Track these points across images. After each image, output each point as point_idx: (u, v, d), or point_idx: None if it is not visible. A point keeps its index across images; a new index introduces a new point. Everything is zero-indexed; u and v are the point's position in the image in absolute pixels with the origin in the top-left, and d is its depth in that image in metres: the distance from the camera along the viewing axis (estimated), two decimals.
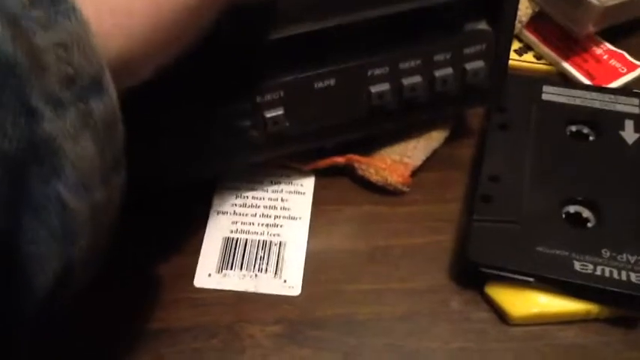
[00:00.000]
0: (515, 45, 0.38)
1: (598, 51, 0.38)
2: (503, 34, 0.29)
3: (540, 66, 0.38)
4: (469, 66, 0.29)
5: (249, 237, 0.30)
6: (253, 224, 0.31)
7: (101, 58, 0.16)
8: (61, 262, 0.16)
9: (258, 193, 0.32)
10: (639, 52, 0.38)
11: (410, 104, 0.29)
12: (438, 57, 0.28)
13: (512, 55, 0.38)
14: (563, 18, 0.36)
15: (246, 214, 0.31)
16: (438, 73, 0.28)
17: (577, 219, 0.29)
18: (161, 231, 0.31)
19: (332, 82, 0.27)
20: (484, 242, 0.27)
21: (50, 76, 0.15)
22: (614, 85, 0.36)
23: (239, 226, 0.31)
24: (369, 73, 0.28)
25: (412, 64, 0.28)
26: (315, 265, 0.29)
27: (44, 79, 0.15)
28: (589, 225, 0.28)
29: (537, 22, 0.38)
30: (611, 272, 0.26)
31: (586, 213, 0.29)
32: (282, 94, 0.27)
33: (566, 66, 0.37)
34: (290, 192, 0.32)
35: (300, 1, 0.25)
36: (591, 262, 0.26)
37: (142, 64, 0.18)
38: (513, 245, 0.27)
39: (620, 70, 0.37)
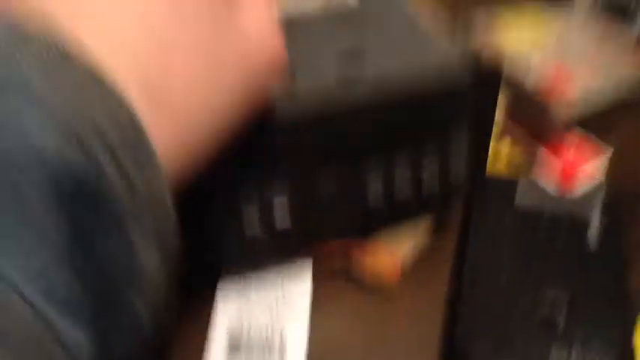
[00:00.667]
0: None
1: (568, 138, 0.41)
2: (483, 137, 0.33)
3: (515, 152, 0.41)
4: (453, 168, 0.33)
5: (252, 332, 0.33)
6: (258, 318, 0.34)
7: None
8: None
9: (261, 292, 0.35)
10: (607, 136, 0.42)
11: (397, 206, 0.33)
12: (426, 161, 0.32)
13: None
14: (531, 125, 0.39)
15: (251, 310, 0.34)
16: (426, 176, 0.32)
17: (552, 316, 0.32)
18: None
19: (332, 185, 0.31)
20: (465, 343, 0.31)
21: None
22: (582, 169, 0.39)
23: (244, 322, 0.34)
24: (366, 176, 0.31)
25: (402, 168, 0.31)
26: (318, 354, 0.33)
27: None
28: (562, 321, 0.32)
29: (510, 125, 0.41)
30: None
31: (559, 309, 0.32)
32: (286, 199, 0.30)
33: (538, 154, 0.40)
34: (290, 290, 0.35)
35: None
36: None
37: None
38: (493, 344, 0.31)
39: (587, 156, 0.40)
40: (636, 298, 0.33)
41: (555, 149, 0.40)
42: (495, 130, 0.42)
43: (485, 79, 0.31)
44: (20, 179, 0.15)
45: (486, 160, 0.34)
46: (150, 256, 0.18)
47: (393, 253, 0.35)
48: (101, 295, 0.17)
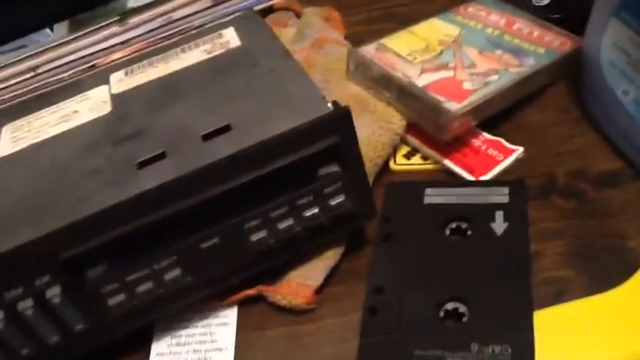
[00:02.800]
0: (404, 150, 0.44)
1: (477, 143, 0.43)
2: (353, 169, 0.34)
3: (428, 166, 0.43)
4: (332, 202, 0.34)
5: None
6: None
7: None
8: None
9: (190, 330, 0.37)
10: (515, 133, 0.43)
11: (291, 241, 0.34)
12: (302, 201, 0.33)
13: (402, 159, 0.43)
14: (428, 126, 0.41)
15: (180, 352, 0.36)
16: (306, 214, 0.34)
17: (454, 315, 0.33)
18: None
19: (216, 240, 0.33)
20: (373, 354, 0.32)
21: None
22: (493, 173, 0.41)
23: None
24: (246, 226, 0.33)
25: (281, 211, 0.33)
26: None
27: None
28: (464, 319, 0.33)
29: (418, 126, 0.43)
30: None
31: (462, 308, 0.33)
32: (175, 258, 0.32)
33: (448, 163, 0.42)
34: (217, 324, 0.37)
35: (179, 183, 0.31)
36: (461, 358, 0.31)
37: None
38: (395, 353, 0.32)
39: (497, 158, 0.41)
40: (539, 291, 0.34)
41: (462, 158, 0.42)
42: (406, 149, 0.44)
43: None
44: None
45: (367, 183, 0.36)
46: None
47: (304, 283, 0.36)
48: None
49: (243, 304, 0.37)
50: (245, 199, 0.32)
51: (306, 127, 0.32)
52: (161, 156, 0.33)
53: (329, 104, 0.33)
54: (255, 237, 0.33)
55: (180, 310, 0.36)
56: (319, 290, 0.37)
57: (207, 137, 0.33)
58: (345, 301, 0.37)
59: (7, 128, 0.40)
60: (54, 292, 0.31)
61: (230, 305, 0.37)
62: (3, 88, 0.51)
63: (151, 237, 0.31)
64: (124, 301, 0.32)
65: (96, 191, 0.31)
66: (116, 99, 0.39)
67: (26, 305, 0.30)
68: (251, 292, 0.36)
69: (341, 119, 0.32)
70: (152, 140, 0.34)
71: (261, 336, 0.36)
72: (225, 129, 0.33)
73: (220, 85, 0.37)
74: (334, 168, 0.33)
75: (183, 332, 0.37)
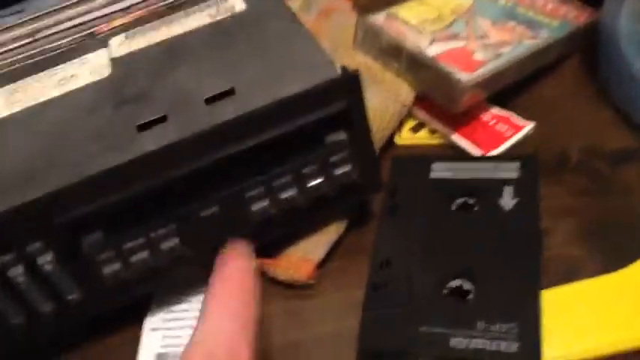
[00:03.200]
0: (411, 123, 0.42)
1: (485, 117, 0.41)
2: (361, 137, 0.33)
3: (435, 140, 0.41)
4: (338, 171, 0.33)
5: (179, 350, 0.34)
6: (182, 337, 0.34)
7: None
8: None
9: (185, 306, 0.36)
10: (527, 108, 0.42)
11: (294, 212, 0.33)
12: (307, 170, 0.32)
13: (408, 133, 0.42)
14: (438, 97, 0.40)
15: (175, 328, 0.35)
16: (310, 183, 0.32)
17: (460, 292, 0.32)
18: (96, 351, 0.35)
19: (216, 208, 0.31)
20: (376, 329, 0.31)
21: None
22: (501, 149, 0.39)
23: (170, 340, 0.34)
24: (247, 195, 0.32)
25: (285, 180, 0.32)
26: None
27: None
28: (470, 297, 0.32)
29: (426, 99, 0.42)
30: (483, 344, 0.29)
31: (467, 285, 0.32)
32: (174, 226, 0.31)
33: (456, 138, 0.40)
34: None
35: (180, 146, 0.30)
36: (466, 336, 0.30)
37: None
38: (401, 328, 0.31)
39: (505, 134, 0.40)
40: (549, 269, 0.33)
41: (470, 133, 0.40)
42: (412, 122, 0.42)
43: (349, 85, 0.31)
44: None
45: (373, 153, 0.34)
46: None
47: (305, 257, 0.35)
48: None
49: None
50: (247, 166, 0.31)
51: (314, 91, 0.30)
52: (162, 119, 0.31)
53: (338, 69, 0.31)
54: (256, 206, 0.32)
55: (177, 282, 0.35)
56: (320, 265, 0.36)
57: (209, 101, 0.32)
58: (347, 277, 0.36)
59: (2, 91, 0.38)
60: (46, 259, 0.30)
61: None
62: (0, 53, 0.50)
63: (149, 204, 0.30)
64: (119, 269, 0.31)
65: (94, 154, 0.30)
66: (116, 62, 0.38)
67: (17, 272, 0.29)
68: None
69: (350, 83, 0.31)
70: (153, 103, 0.33)
71: None
72: (229, 92, 0.32)
73: (224, 49, 0.36)
74: (341, 136, 0.32)
75: (178, 308, 0.36)
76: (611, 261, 0.33)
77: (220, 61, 0.35)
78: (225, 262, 0.29)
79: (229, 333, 0.26)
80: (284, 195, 0.32)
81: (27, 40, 0.50)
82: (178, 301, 0.36)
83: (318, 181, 0.32)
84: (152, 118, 0.31)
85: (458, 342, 0.29)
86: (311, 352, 0.33)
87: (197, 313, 0.35)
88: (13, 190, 0.29)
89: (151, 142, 0.30)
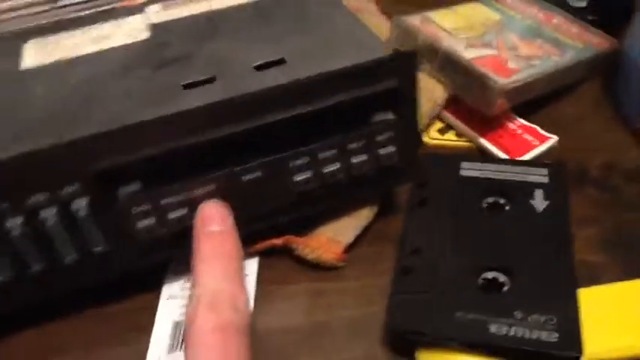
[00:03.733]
0: (438, 125, 0.42)
1: (512, 126, 0.42)
2: (408, 120, 0.33)
3: (461, 143, 0.42)
4: (382, 151, 0.32)
5: None
6: None
7: None
8: None
9: None
10: (549, 124, 0.42)
11: (333, 188, 0.33)
12: (352, 146, 0.32)
13: (436, 134, 0.42)
14: (472, 100, 0.40)
15: None
16: (354, 160, 0.32)
17: (494, 284, 0.32)
18: (112, 315, 0.33)
19: (259, 173, 0.31)
20: (407, 311, 0.30)
21: None
22: (528, 157, 0.40)
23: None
24: (291, 164, 0.31)
25: (329, 153, 0.31)
26: (259, 342, 0.32)
27: None
28: (505, 289, 0.31)
29: (455, 102, 0.42)
30: (523, 332, 0.29)
31: (502, 278, 0.32)
32: (214, 187, 0.30)
33: (484, 142, 0.41)
34: None
35: (229, 105, 0.29)
36: (505, 324, 0.29)
37: None
38: (434, 312, 0.30)
39: (532, 142, 0.41)
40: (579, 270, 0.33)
41: (498, 138, 0.41)
42: (440, 125, 0.43)
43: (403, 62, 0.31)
44: None
45: (417, 139, 0.34)
46: None
47: (334, 238, 0.34)
48: None
49: (264, 257, 0.35)
50: (294, 135, 0.30)
51: (367, 66, 0.30)
52: (210, 80, 0.31)
53: (386, 49, 0.31)
54: (298, 177, 0.31)
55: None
56: (350, 248, 0.35)
57: (259, 68, 0.31)
58: (373, 264, 0.35)
59: (32, 44, 0.37)
60: (80, 205, 0.28)
61: (252, 255, 0.35)
62: (16, 17, 0.49)
63: (191, 161, 0.29)
64: (153, 225, 0.29)
65: (134, 108, 0.29)
66: (154, 27, 0.37)
67: (49, 214, 0.28)
68: (278, 241, 0.34)
69: (405, 62, 0.31)
70: (199, 66, 0.32)
71: (283, 290, 0.34)
72: (280, 62, 0.31)
73: (269, 25, 0.36)
74: (389, 115, 0.32)
75: None
76: (632, 270, 0.34)
77: (266, 34, 0.35)
78: (204, 225, 0.30)
79: (224, 283, 0.28)
80: (327, 169, 0.32)
81: (47, 7, 0.49)
82: None
83: (362, 158, 0.32)
84: (199, 79, 0.31)
85: (497, 328, 0.29)
86: (336, 333, 0.32)
87: None
88: (52, 131, 0.28)
89: (198, 99, 0.29)
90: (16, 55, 0.36)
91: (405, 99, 0.32)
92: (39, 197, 0.27)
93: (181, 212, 0.30)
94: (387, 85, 0.31)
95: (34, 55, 0.36)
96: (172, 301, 0.33)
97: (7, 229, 0.27)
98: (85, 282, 0.30)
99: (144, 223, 0.29)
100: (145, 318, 0.32)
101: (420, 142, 0.35)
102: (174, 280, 0.34)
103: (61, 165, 0.27)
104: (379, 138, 0.32)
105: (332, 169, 0.32)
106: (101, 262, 0.30)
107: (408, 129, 0.33)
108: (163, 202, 0.29)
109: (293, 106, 0.30)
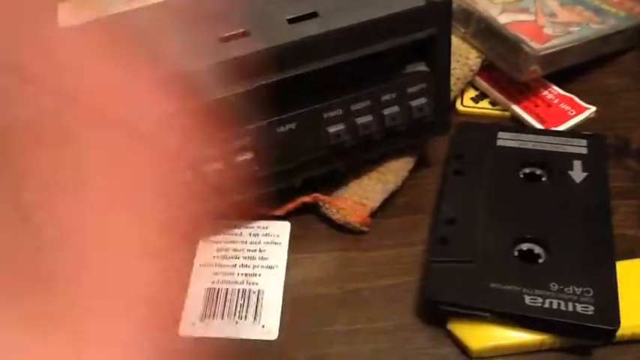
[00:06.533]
0: (472, 93, 0.41)
1: (549, 95, 0.41)
2: (441, 72, 0.33)
3: (496, 112, 0.41)
4: (414, 103, 0.32)
5: (230, 286, 0.33)
6: (233, 274, 0.33)
7: None
8: None
9: (238, 245, 0.34)
10: (588, 94, 0.41)
11: (365, 141, 0.33)
12: (385, 97, 0.31)
13: (469, 102, 0.41)
14: (505, 65, 0.39)
15: (227, 265, 0.34)
16: (386, 112, 0.32)
17: (529, 255, 0.31)
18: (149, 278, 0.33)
19: (293, 125, 0.31)
20: (442, 282, 0.30)
21: None
22: (564, 127, 0.39)
23: (220, 277, 0.33)
24: (325, 115, 0.31)
25: (363, 105, 0.31)
26: (291, 310, 0.32)
27: None
28: (540, 261, 0.31)
29: (490, 70, 0.41)
30: (558, 304, 0.28)
31: (537, 249, 0.31)
32: (249, 139, 0.30)
33: (519, 111, 0.40)
34: (267, 242, 0.35)
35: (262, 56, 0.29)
36: (540, 296, 0.29)
37: None
38: (469, 283, 0.30)
39: (569, 112, 0.40)
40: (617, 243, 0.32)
41: (533, 107, 0.40)
42: (474, 92, 0.42)
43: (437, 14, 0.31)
44: None
45: (449, 92, 0.34)
46: None
47: (361, 202, 0.34)
48: None
49: (296, 227, 0.35)
50: (327, 87, 0.30)
51: (403, 15, 0.30)
52: (244, 34, 0.30)
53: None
54: (332, 129, 0.31)
55: (244, 201, 0.34)
56: (375, 214, 0.35)
57: (292, 21, 0.31)
58: (406, 234, 0.35)
59: (65, 5, 0.37)
60: None
61: (284, 224, 0.35)
62: None
63: (227, 114, 0.29)
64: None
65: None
66: None
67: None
68: (307, 199, 0.34)
69: (441, 12, 0.30)
70: (233, 21, 0.31)
71: (314, 258, 0.34)
72: (313, 15, 0.31)
73: None
74: (422, 67, 0.32)
75: (230, 246, 0.34)
76: None
77: None
78: None
79: None
80: (360, 120, 0.32)
81: None
82: (230, 240, 0.34)
83: (394, 110, 0.32)
84: (234, 33, 0.30)
85: (533, 300, 0.29)
86: (369, 301, 0.32)
87: (251, 254, 0.34)
88: None
89: (235, 50, 0.29)
90: (52, 14, 0.36)
91: (438, 50, 0.32)
92: None
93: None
94: (423, 35, 0.31)
95: (68, 15, 0.35)
96: (205, 269, 0.33)
97: None
98: None
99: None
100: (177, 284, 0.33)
101: (450, 96, 0.35)
102: (205, 250, 0.34)
103: None
104: (411, 89, 0.32)
105: (365, 120, 0.32)
106: None
107: (441, 80, 0.33)
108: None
109: (326, 56, 0.30)
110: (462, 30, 0.41)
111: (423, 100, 0.32)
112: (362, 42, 0.30)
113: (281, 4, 0.32)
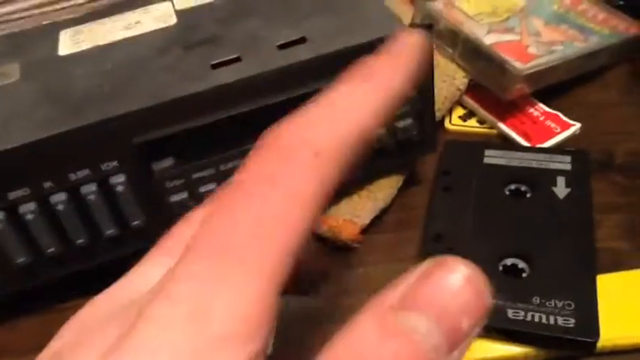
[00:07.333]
0: (460, 111, 0.43)
1: (534, 112, 0.42)
2: (424, 92, 0.34)
3: (483, 129, 0.42)
4: (399, 124, 0.33)
5: None
6: None
7: None
8: None
9: None
10: (573, 109, 0.42)
11: None
12: None
13: (458, 120, 0.42)
14: (491, 85, 0.40)
15: None
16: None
17: (514, 270, 0.32)
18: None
19: None
20: None
21: None
22: (550, 144, 0.40)
23: None
24: None
25: None
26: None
27: None
28: (524, 275, 0.32)
29: (477, 89, 0.42)
30: (540, 317, 0.29)
31: (521, 264, 0.32)
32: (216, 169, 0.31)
33: (505, 129, 0.41)
34: None
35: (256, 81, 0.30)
36: (523, 310, 0.30)
37: None
38: None
39: (554, 130, 0.41)
40: (599, 257, 0.33)
41: (519, 125, 0.41)
42: (462, 111, 0.43)
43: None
44: None
45: (433, 112, 0.35)
46: None
47: (351, 220, 0.35)
48: None
49: None
50: None
51: (386, 39, 0.31)
52: (236, 59, 0.32)
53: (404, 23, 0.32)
54: None
55: None
56: (365, 230, 0.36)
57: (283, 47, 0.32)
58: (395, 250, 0.36)
59: (66, 32, 0.38)
60: (119, 180, 0.29)
61: None
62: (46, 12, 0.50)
63: (221, 136, 0.30)
64: (186, 199, 0.31)
65: (170, 84, 0.30)
66: (181, 13, 0.38)
67: (90, 190, 0.29)
68: None
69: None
70: (225, 47, 0.33)
71: None
72: (301, 40, 0.32)
73: (291, 6, 0.36)
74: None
75: None
76: None
77: (288, 15, 0.36)
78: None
79: None
80: None
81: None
82: None
83: (379, 132, 0.33)
84: (226, 58, 0.32)
85: (515, 313, 0.30)
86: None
87: None
88: (94, 110, 0.29)
89: (227, 76, 0.30)
90: (53, 43, 0.37)
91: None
92: (80, 174, 0.29)
93: (212, 186, 0.31)
94: None
95: (69, 43, 0.37)
96: None
97: (53, 204, 0.29)
98: (124, 253, 0.32)
99: (177, 197, 0.31)
100: None
101: (435, 115, 0.36)
102: None
103: (102, 141, 0.29)
104: (397, 112, 0.33)
105: None
106: (139, 236, 0.31)
107: (424, 102, 0.34)
108: (195, 176, 0.31)
109: (315, 81, 0.31)
110: (450, 50, 0.42)
111: (408, 121, 0.33)
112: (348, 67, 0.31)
113: (269, 29, 0.34)
